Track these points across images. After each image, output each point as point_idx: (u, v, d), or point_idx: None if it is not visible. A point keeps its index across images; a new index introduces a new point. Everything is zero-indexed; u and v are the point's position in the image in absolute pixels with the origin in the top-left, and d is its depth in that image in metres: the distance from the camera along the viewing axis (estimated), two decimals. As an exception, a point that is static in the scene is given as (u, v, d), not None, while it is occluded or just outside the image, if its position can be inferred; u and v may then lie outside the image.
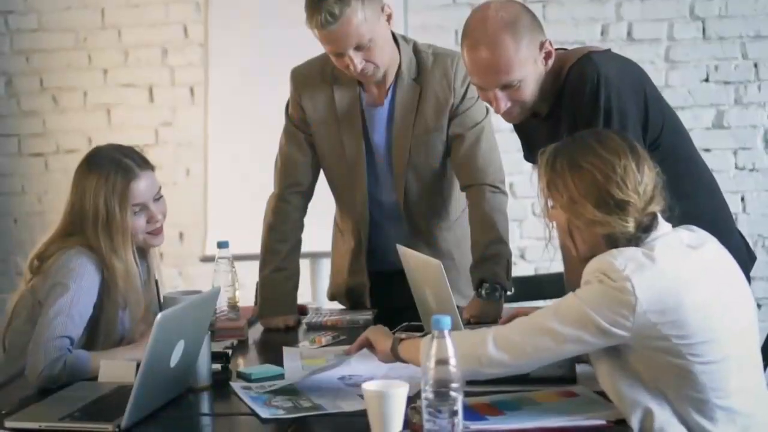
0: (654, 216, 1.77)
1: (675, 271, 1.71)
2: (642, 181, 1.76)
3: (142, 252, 2.36)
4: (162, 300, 2.22)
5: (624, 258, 1.71)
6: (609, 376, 1.76)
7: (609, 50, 2.21)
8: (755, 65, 4.14)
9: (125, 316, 2.29)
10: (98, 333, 2.24)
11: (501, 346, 1.74)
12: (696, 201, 1.82)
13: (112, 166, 2.25)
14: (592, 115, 2.04)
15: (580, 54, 2.15)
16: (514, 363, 1.75)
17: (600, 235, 1.77)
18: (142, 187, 2.27)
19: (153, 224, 2.31)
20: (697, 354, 1.69)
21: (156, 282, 2.07)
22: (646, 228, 1.77)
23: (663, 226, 1.79)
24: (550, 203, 1.85)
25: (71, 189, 2.28)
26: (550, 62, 2.14)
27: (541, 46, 2.12)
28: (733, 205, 2.29)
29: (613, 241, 1.76)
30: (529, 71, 2.11)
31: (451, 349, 1.48)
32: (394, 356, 1.95)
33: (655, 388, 1.71)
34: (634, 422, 1.71)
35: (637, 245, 1.75)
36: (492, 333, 1.77)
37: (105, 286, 2.22)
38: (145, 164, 2.31)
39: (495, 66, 2.10)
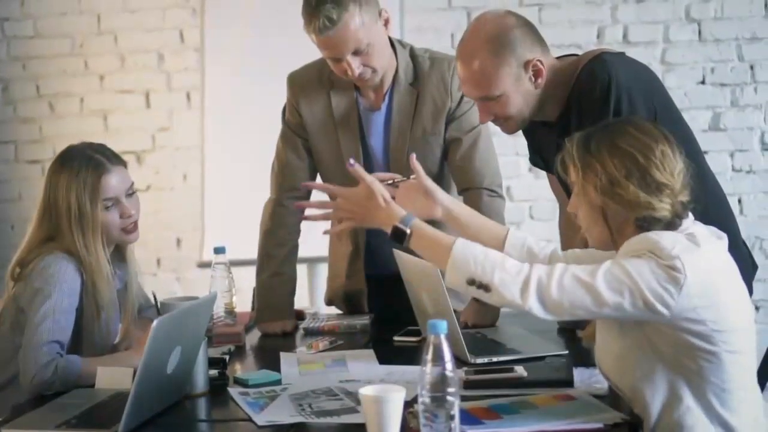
0: (685, 205, 1.77)
1: (715, 258, 1.73)
2: (677, 166, 1.75)
3: (121, 254, 2.36)
4: (159, 306, 2.21)
5: (669, 239, 1.70)
6: (623, 359, 1.74)
7: (622, 53, 2.20)
8: (751, 67, 4.14)
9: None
10: (82, 337, 2.23)
11: (541, 300, 1.70)
12: (704, 209, 1.82)
13: (83, 162, 2.25)
14: (601, 117, 2.01)
15: (592, 55, 2.13)
16: (548, 315, 1.72)
17: (634, 219, 1.75)
18: (113, 181, 2.26)
19: (126, 220, 2.28)
20: (728, 342, 1.69)
21: (155, 297, 2.04)
22: (679, 215, 1.76)
23: (690, 217, 1.79)
24: (575, 189, 1.82)
25: (44, 187, 2.26)
26: (541, 80, 2.11)
27: (527, 64, 2.09)
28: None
29: (647, 226, 1.74)
30: (509, 88, 2.09)
31: (447, 353, 1.48)
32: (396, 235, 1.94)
33: (680, 374, 1.70)
34: (653, 409, 1.70)
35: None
36: (535, 283, 1.71)
37: (85, 289, 2.21)
38: (117, 159, 2.30)
39: (470, 79, 2.11)
